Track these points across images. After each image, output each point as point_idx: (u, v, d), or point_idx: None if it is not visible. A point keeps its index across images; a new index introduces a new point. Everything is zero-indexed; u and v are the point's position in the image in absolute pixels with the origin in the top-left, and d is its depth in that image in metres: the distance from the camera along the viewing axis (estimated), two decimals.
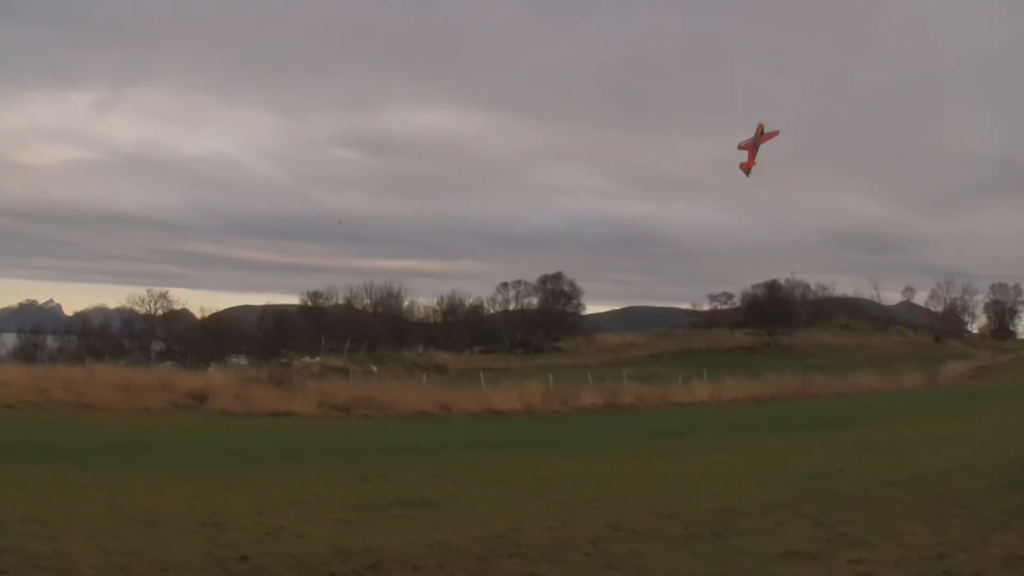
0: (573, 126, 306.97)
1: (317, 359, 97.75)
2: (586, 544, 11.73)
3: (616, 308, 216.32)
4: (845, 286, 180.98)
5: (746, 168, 35.28)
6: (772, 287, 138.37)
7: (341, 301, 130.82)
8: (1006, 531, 11.29)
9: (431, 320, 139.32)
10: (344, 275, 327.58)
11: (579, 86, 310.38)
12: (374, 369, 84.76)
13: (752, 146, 34.52)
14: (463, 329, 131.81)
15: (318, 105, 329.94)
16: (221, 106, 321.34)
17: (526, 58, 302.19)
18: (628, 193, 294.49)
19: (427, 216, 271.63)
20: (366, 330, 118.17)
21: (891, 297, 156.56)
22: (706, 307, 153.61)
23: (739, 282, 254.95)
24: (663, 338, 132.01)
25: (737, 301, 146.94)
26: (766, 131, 34.66)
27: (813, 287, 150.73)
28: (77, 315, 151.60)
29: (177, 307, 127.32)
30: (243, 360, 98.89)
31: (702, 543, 11.65)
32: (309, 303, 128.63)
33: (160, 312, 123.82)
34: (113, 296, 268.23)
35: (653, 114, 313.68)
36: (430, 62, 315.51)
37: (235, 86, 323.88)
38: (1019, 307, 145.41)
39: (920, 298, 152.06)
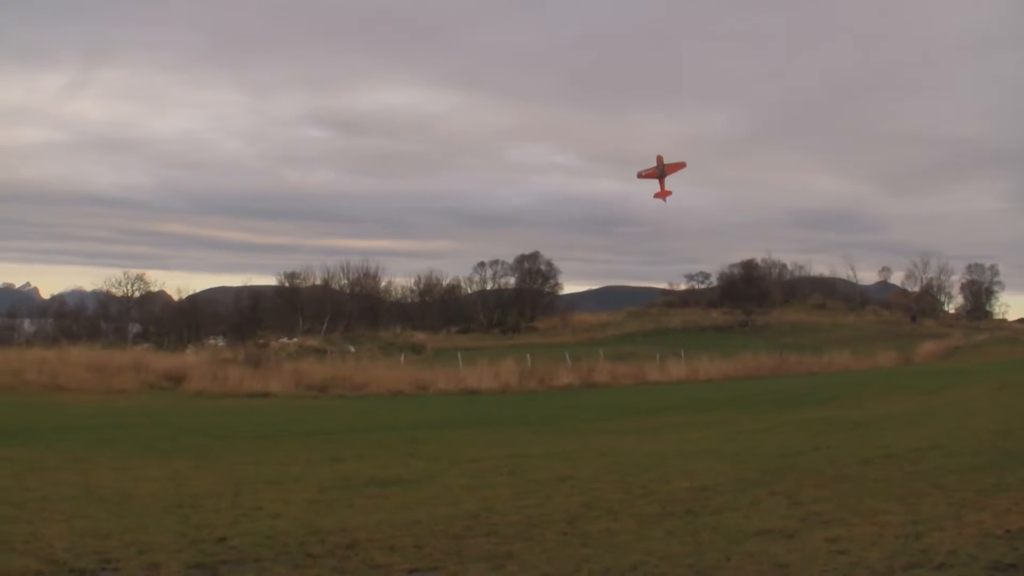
0: (542, 104, 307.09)
1: (294, 339, 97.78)
2: (561, 523, 11.71)
3: (593, 288, 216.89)
4: (821, 266, 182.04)
5: (661, 196, 36.20)
6: (748, 266, 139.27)
7: (318, 281, 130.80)
8: (980, 510, 11.29)
9: (408, 300, 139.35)
10: (320, 255, 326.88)
11: (547, 65, 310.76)
12: (351, 349, 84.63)
13: (655, 176, 35.40)
14: (440, 309, 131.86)
15: (286, 84, 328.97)
16: (189, 86, 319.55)
17: (494, 37, 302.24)
18: (598, 171, 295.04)
19: (398, 195, 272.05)
20: (343, 310, 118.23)
21: (867, 277, 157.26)
22: (683, 287, 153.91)
23: (715, 262, 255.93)
24: (638, 317, 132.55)
25: (714, 280, 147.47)
26: (668, 162, 35.61)
27: (789, 267, 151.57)
28: (53, 298, 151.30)
29: (154, 289, 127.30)
30: (220, 341, 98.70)
31: (676, 521, 11.64)
32: (286, 284, 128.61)
33: (137, 294, 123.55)
34: (89, 278, 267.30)
35: (619, 93, 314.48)
36: (398, 41, 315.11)
37: (202, 65, 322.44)
38: (994, 287, 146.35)
39: (897, 278, 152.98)
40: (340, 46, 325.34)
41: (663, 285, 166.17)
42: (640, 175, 36.88)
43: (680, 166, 37.30)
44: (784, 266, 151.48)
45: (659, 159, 36.30)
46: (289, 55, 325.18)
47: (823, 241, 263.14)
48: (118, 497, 14.12)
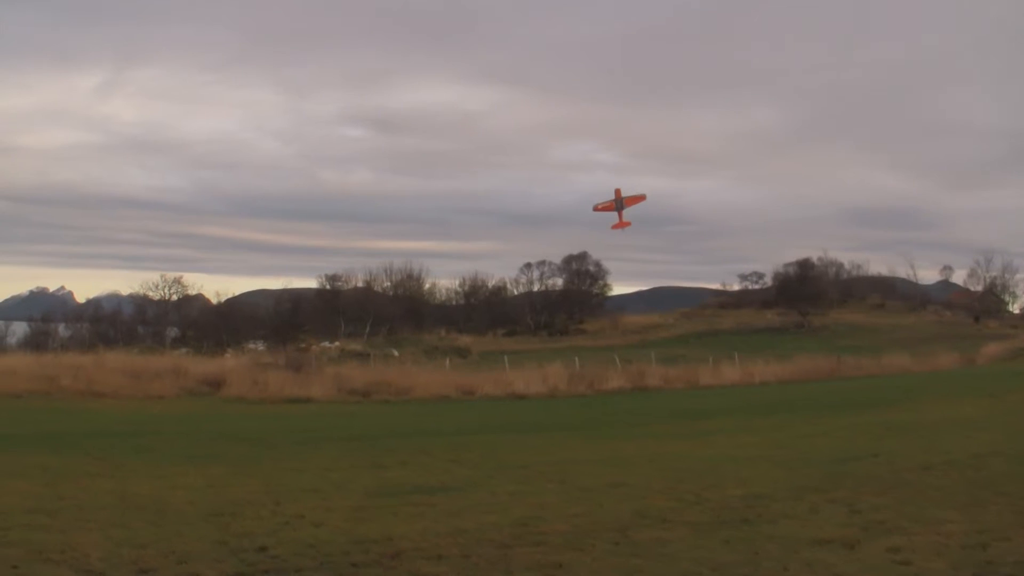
0: (585, 101, 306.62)
1: (335, 343, 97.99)
2: (611, 531, 11.66)
3: (642, 288, 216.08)
4: (879, 265, 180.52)
5: (619, 227, 36.43)
6: (804, 266, 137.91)
7: (360, 284, 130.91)
8: None
9: (452, 302, 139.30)
10: (361, 256, 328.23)
11: (590, 60, 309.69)
12: (394, 353, 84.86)
13: (612, 209, 35.74)
14: (485, 311, 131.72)
15: (323, 83, 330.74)
16: (224, 86, 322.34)
17: (535, 31, 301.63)
18: (645, 169, 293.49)
19: (440, 195, 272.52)
20: (385, 313, 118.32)
21: (928, 276, 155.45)
22: (736, 287, 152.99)
23: (769, 261, 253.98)
24: (690, 319, 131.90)
25: (768, 280, 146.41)
26: (626, 196, 35.91)
27: (846, 266, 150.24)
28: (89, 302, 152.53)
29: (191, 292, 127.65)
30: (260, 345, 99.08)
31: (731, 530, 11.56)
32: (327, 286, 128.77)
33: (174, 297, 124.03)
34: (126, 282, 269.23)
35: (666, 88, 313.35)
36: (437, 37, 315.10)
37: (238, 64, 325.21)
38: None
39: (958, 277, 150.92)
40: (377, 43, 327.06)
41: (715, 285, 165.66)
42: (596, 208, 37.36)
43: (640, 199, 37.81)
44: (841, 265, 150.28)
45: (617, 192, 37.00)
46: (326, 53, 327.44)
47: (881, 239, 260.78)
48: (155, 505, 14.19)
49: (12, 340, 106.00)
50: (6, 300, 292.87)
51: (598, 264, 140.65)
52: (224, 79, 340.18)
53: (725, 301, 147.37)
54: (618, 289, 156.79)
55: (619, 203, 36.31)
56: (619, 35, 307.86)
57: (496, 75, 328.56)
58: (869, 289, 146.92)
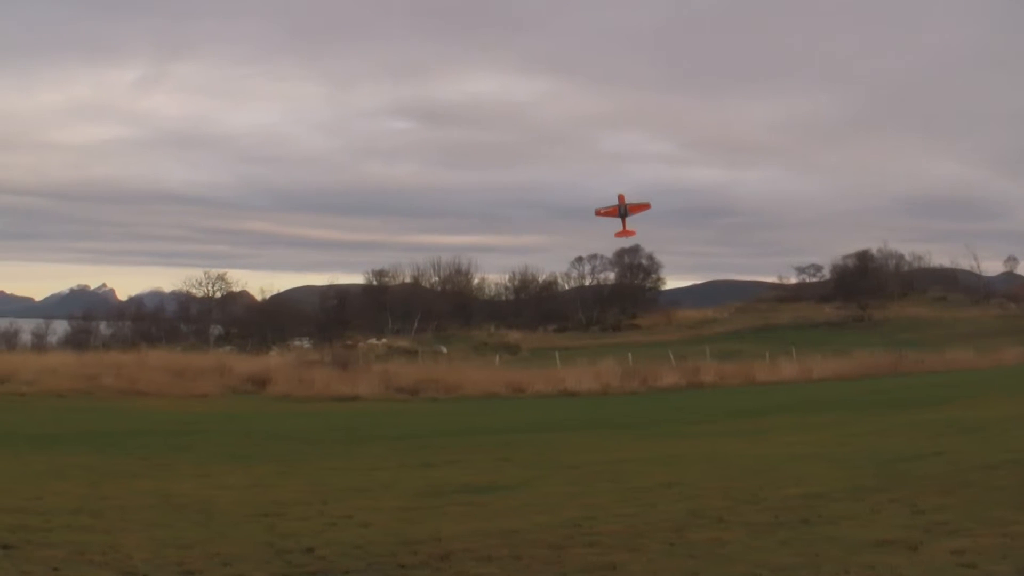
0: (636, 90, 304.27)
1: (383, 340, 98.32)
2: (666, 532, 11.58)
3: (697, 282, 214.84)
4: (940, 256, 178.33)
5: (623, 236, 36.19)
6: (863, 258, 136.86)
7: (407, 279, 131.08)
8: None
9: (502, 297, 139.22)
10: (408, 251, 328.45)
11: (640, 48, 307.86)
12: (443, 350, 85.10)
13: (616, 215, 35.43)
14: (535, 306, 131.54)
15: (367, 74, 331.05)
16: (266, 78, 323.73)
17: (584, 19, 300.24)
18: (698, 159, 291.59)
19: (488, 187, 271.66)
20: (433, 309, 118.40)
21: (992, 267, 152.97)
22: (793, 280, 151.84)
23: (826, 253, 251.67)
24: (746, 313, 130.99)
25: (826, 273, 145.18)
26: (630, 202, 35.66)
27: (907, 257, 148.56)
28: (131, 299, 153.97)
29: (235, 289, 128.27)
30: (305, 342, 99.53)
31: (789, 530, 11.45)
32: (373, 282, 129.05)
33: (218, 294, 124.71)
34: (168, 279, 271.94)
35: (718, 75, 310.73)
36: (483, 25, 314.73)
37: (280, 56, 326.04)
38: None
39: None
40: (422, 32, 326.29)
41: (771, 279, 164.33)
42: (598, 213, 37.10)
43: (644, 207, 37.52)
44: (901, 257, 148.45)
45: (621, 198, 36.58)
46: (370, 43, 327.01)
47: (942, 230, 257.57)
48: (199, 505, 14.26)
49: (53, 339, 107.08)
50: (47, 298, 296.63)
51: (651, 257, 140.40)
52: (266, 71, 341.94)
53: (782, 295, 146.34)
54: (671, 283, 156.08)
55: (623, 209, 36.11)
56: (669, 22, 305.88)
57: (544, 64, 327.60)
58: (930, 281, 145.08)
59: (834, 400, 38.31)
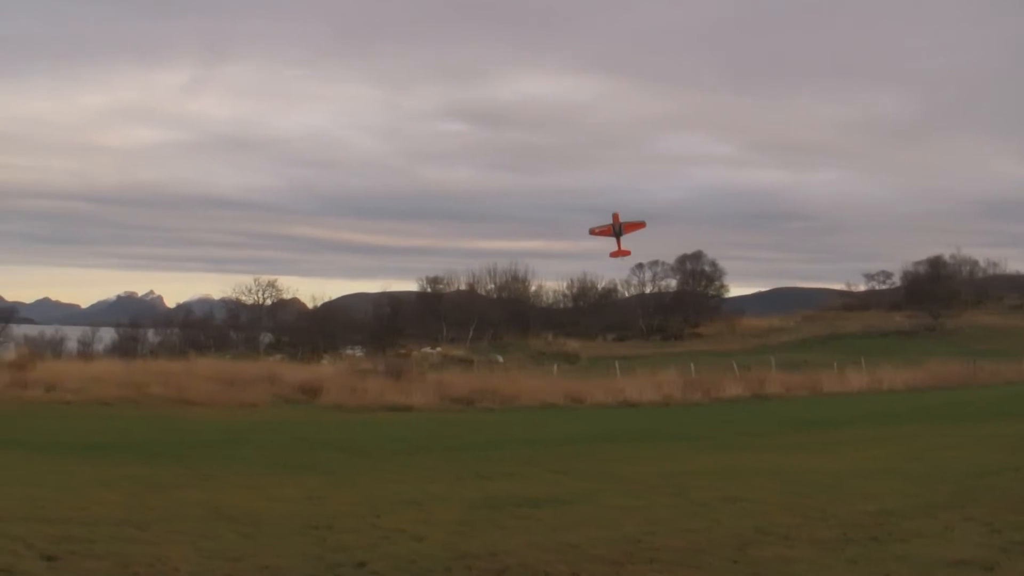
0: (695, 90, 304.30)
1: (437, 349, 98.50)
2: (730, 549, 11.51)
3: (761, 289, 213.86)
4: (1017, 262, 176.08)
5: (618, 255, 36.03)
6: (935, 264, 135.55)
7: (462, 286, 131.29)
8: None
9: (560, 305, 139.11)
10: (463, 257, 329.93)
11: (699, 46, 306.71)
12: (499, 359, 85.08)
13: (610, 234, 35.32)
14: (594, 314, 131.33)
15: (421, 75, 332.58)
16: (317, 80, 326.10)
17: (641, 17, 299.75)
18: (761, 161, 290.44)
19: (544, 191, 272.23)
20: (489, 317, 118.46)
21: None
22: (861, 287, 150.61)
23: (897, 259, 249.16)
24: (812, 321, 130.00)
25: (896, 280, 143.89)
26: (625, 220, 35.54)
27: (982, 263, 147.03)
28: (179, 306, 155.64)
29: (286, 296, 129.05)
30: (358, 351, 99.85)
31: (859, 548, 11.34)
32: (428, 289, 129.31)
33: (268, 301, 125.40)
34: (217, 285, 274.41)
35: (781, 75, 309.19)
36: (539, 25, 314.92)
37: (331, 58, 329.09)
38: None
39: None
40: (477, 32, 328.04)
41: (839, 285, 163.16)
42: (592, 232, 36.96)
43: (639, 225, 37.30)
44: (976, 263, 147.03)
45: (615, 217, 36.38)
46: (423, 44, 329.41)
47: (1019, 234, 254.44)
48: (248, 517, 14.32)
49: (100, 346, 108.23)
50: (93, 305, 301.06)
51: (714, 264, 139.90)
52: (316, 73, 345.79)
53: (850, 302, 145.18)
54: (735, 290, 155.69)
55: (617, 228, 35.96)
56: (730, 21, 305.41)
57: (601, 65, 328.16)
58: (1007, 288, 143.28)
59: (905, 412, 37.94)
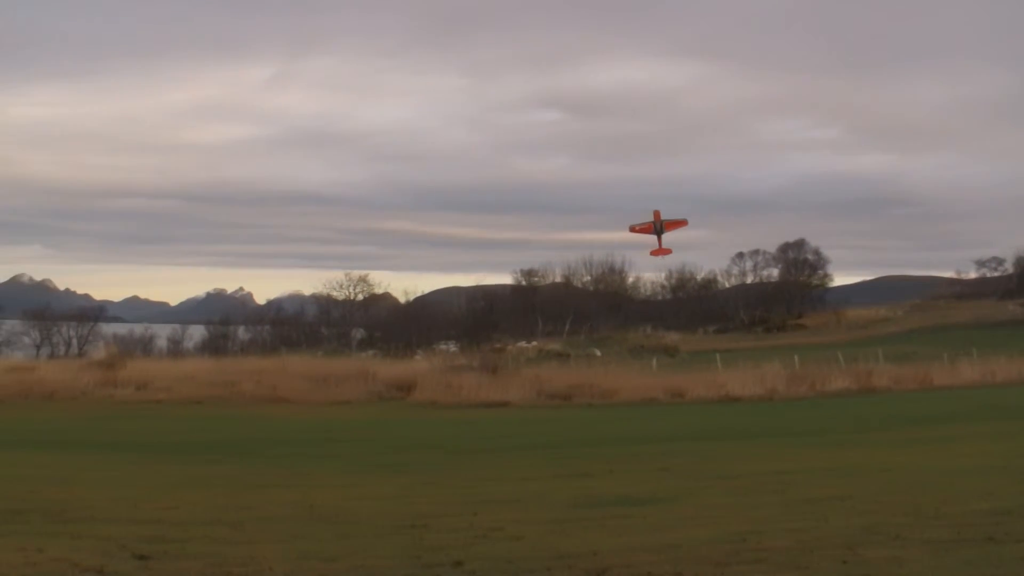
0: (795, 73, 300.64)
1: (533, 343, 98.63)
2: (838, 549, 11.33)
3: (867, 278, 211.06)
4: None
5: (658, 255, 35.53)
6: None
7: (558, 279, 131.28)
8: None
9: (658, 297, 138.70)
10: (559, 250, 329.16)
11: (801, 29, 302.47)
12: (597, 353, 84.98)
13: (651, 231, 34.81)
14: (694, 306, 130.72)
15: (510, 64, 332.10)
16: (404, 72, 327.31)
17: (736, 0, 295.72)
18: (866, 146, 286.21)
19: (640, 181, 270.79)
20: (586, 310, 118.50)
21: None
22: (972, 275, 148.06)
23: (1009, 245, 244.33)
24: (921, 311, 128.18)
25: (1009, 267, 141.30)
26: (666, 219, 34.99)
27: None
28: (269, 303, 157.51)
29: (378, 291, 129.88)
30: (452, 346, 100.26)
31: (975, 549, 11.11)
32: (522, 282, 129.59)
33: (360, 297, 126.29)
34: (308, 281, 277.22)
35: (885, 55, 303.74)
36: (632, 10, 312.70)
37: (418, 48, 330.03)
38: None
39: None
40: (567, 18, 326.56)
41: (949, 274, 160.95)
42: (632, 229, 36.50)
43: (681, 223, 36.88)
44: None
45: (656, 214, 35.97)
46: (511, 32, 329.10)
47: None
48: (342, 516, 14.44)
49: (189, 344, 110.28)
50: (183, 303, 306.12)
51: (817, 252, 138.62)
52: (402, 65, 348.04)
53: (960, 291, 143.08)
54: (840, 280, 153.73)
55: (658, 227, 35.69)
56: (831, 0, 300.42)
57: (698, 48, 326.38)
58: None
59: (1022, 406, 37.23)
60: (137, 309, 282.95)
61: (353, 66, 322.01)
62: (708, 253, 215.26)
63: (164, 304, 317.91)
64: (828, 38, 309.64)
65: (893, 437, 27.99)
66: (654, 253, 37.05)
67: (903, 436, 28.16)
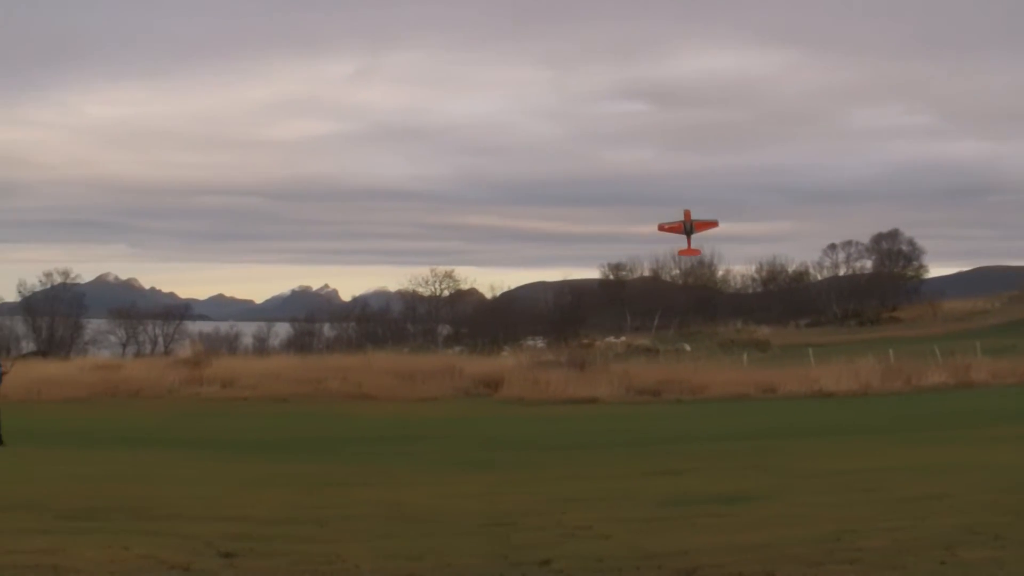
0: (885, 59, 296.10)
1: (621, 338, 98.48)
2: (936, 549, 11.20)
3: (963, 269, 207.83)
4: None
5: (687, 255, 35.35)
6: None
7: (646, 273, 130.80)
8: None
9: (748, 291, 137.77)
10: (646, 243, 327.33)
11: (892, 12, 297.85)
12: (686, 348, 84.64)
13: (680, 231, 34.38)
14: (785, 299, 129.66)
15: (593, 54, 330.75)
16: (485, 64, 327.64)
17: None
18: (960, 132, 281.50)
19: (728, 171, 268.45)
20: (675, 304, 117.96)
21: None
22: None
23: None
24: (1020, 303, 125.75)
25: None
26: (696, 219, 34.58)
27: None
28: (355, 300, 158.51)
29: (464, 287, 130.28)
30: (539, 342, 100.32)
31: None
32: (610, 276, 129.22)
33: (446, 293, 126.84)
34: (393, 277, 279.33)
35: (979, 38, 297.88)
36: None
37: (498, 41, 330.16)
38: None
39: None
40: (650, 6, 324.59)
41: None
42: (661, 228, 36.07)
43: (711, 224, 36.43)
44: None
45: (687, 214, 35.47)
46: (594, 22, 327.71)
47: None
48: (428, 515, 14.55)
49: (275, 342, 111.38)
50: (268, 300, 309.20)
51: (912, 243, 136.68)
52: (483, 58, 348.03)
53: None
54: (935, 271, 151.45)
55: (688, 226, 35.31)
56: None
57: (786, 35, 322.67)
58: None
59: None
60: (222, 307, 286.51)
61: (434, 60, 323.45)
62: (799, 245, 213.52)
63: (249, 302, 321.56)
64: (920, 23, 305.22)
65: (992, 433, 27.58)
66: (682, 253, 37.12)
67: (1003, 432, 27.72)
